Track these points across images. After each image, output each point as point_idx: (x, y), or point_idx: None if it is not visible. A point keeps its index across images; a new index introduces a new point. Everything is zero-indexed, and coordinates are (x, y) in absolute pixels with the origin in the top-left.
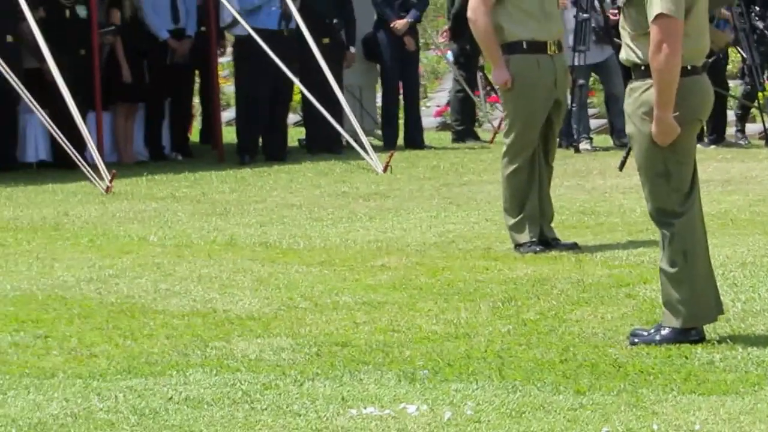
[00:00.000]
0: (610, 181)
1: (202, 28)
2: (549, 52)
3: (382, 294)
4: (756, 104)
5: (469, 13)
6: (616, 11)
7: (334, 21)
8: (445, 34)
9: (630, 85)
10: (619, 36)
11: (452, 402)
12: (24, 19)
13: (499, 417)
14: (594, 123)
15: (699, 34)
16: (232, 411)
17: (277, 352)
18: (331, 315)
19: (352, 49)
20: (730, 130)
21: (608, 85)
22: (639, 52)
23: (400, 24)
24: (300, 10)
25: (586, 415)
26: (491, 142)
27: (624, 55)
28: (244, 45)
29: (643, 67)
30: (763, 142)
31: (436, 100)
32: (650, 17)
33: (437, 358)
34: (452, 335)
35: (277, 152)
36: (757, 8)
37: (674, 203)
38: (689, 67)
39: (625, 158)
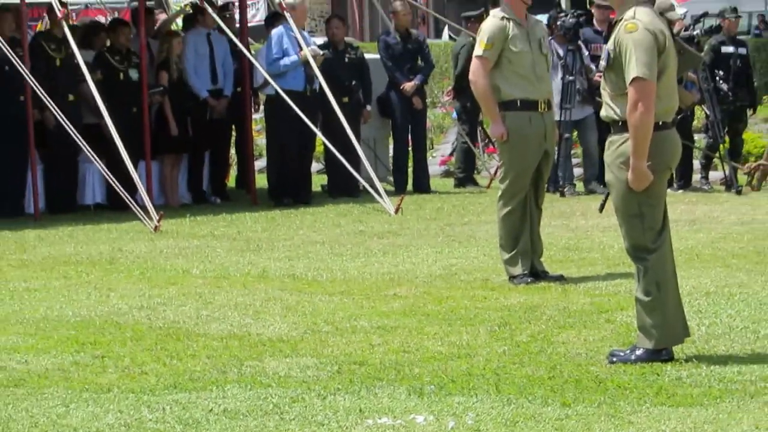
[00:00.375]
0: (591, 222)
1: (238, 89)
2: (540, 109)
3: (394, 319)
4: (717, 155)
5: (471, 76)
6: (602, 73)
7: (353, 83)
8: (449, 93)
9: (609, 138)
10: (600, 96)
11: (455, 413)
12: (84, 80)
13: (496, 426)
14: (577, 171)
15: (669, 95)
16: (264, 421)
17: (303, 369)
18: (350, 338)
19: (369, 107)
20: (696, 177)
21: (582, 140)
22: (617, 110)
23: (408, 86)
24: (323, 74)
25: (571, 424)
26: (488, 187)
27: (604, 112)
28: (274, 103)
29: (620, 123)
30: (723, 187)
31: (441, 151)
32: (627, 80)
33: (442, 375)
34: (455, 355)
35: (302, 196)
36: (721, 72)
37: (648, 240)
38: (661, 123)
39: (604, 201)
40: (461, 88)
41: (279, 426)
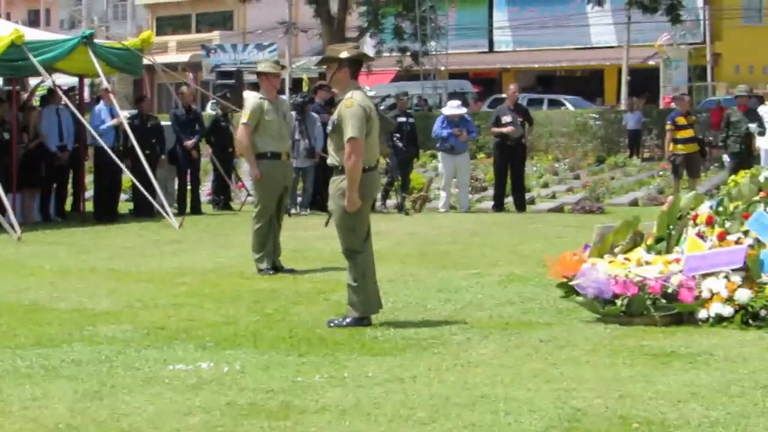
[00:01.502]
0: (310, 233)
1: (76, 145)
2: (282, 158)
3: (182, 299)
4: (393, 188)
5: (237, 136)
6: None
7: (153, 141)
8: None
9: (333, 178)
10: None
11: (228, 361)
12: None
13: (255, 369)
14: (299, 199)
15: (373, 148)
16: (100, 367)
17: (124, 332)
18: (154, 311)
19: (163, 157)
20: (378, 204)
21: (304, 181)
22: (338, 159)
23: (189, 143)
24: (134, 134)
25: (306, 368)
26: (240, 210)
27: (330, 160)
28: (98, 153)
29: (340, 168)
30: (396, 210)
31: (207, 186)
32: (345, 139)
33: (217, 335)
34: (225, 322)
35: (115, 217)
36: (398, 135)
37: (357, 245)
38: (367, 167)
39: (328, 220)
40: (209, 142)
41: (110, 370)
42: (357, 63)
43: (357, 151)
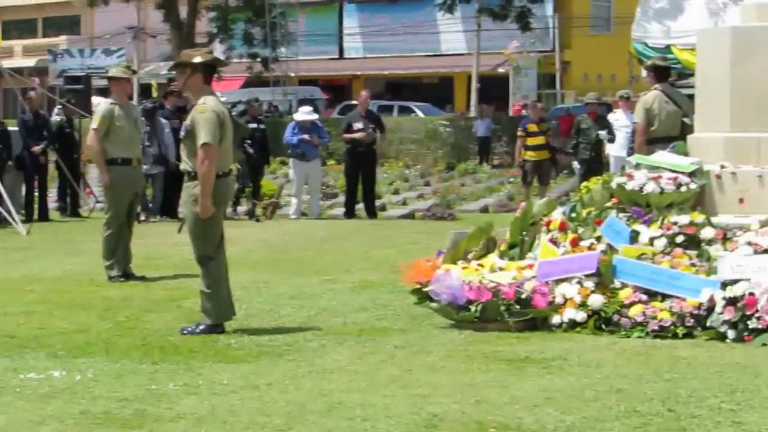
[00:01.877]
0: (162, 240)
1: None
2: (133, 164)
3: (32, 306)
4: (244, 195)
5: (88, 141)
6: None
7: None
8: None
9: (185, 184)
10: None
11: (80, 369)
12: None
13: (109, 378)
14: (149, 205)
15: (226, 154)
16: None
17: None
18: (3, 319)
19: (10, 163)
20: (228, 210)
21: (155, 187)
22: (191, 164)
23: (37, 149)
24: None
25: (160, 376)
26: (88, 216)
27: (183, 166)
28: None
29: (193, 174)
30: (247, 217)
31: (54, 193)
32: (198, 144)
33: (69, 343)
34: (77, 330)
35: None
36: (249, 141)
37: (210, 251)
38: (220, 173)
39: (181, 227)
40: (54, 148)
41: None
42: (210, 68)
43: (210, 157)
